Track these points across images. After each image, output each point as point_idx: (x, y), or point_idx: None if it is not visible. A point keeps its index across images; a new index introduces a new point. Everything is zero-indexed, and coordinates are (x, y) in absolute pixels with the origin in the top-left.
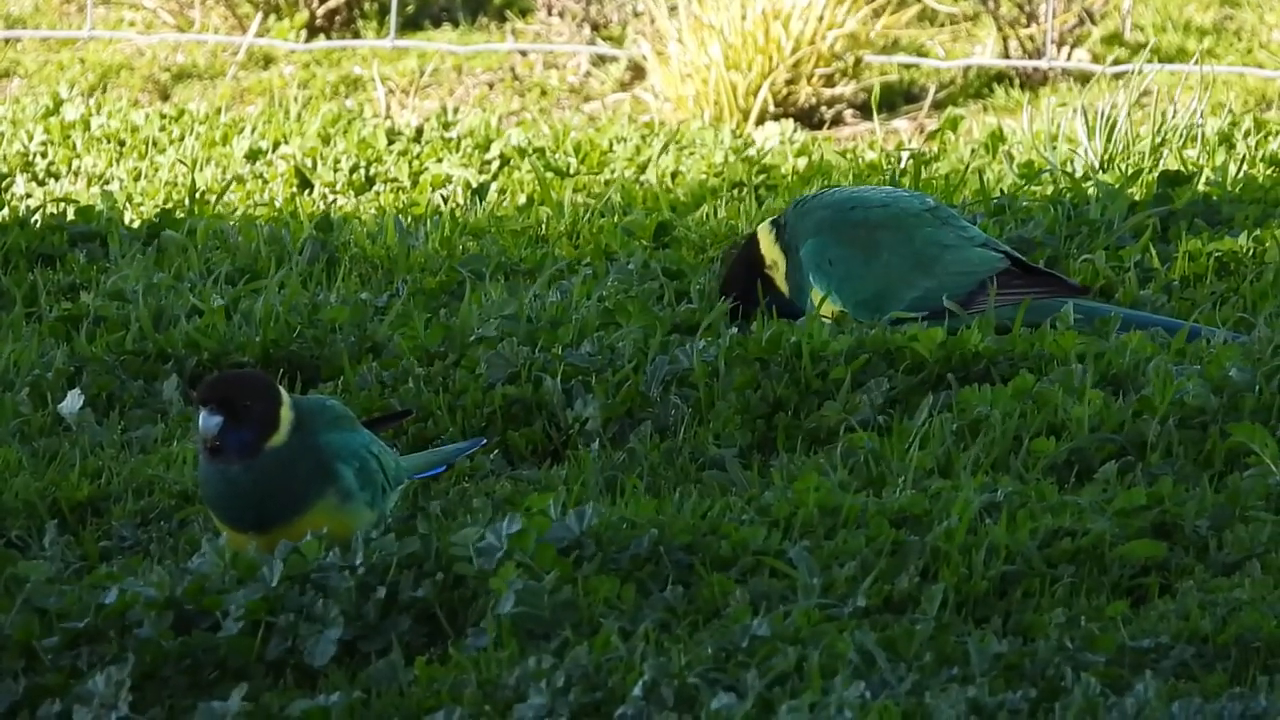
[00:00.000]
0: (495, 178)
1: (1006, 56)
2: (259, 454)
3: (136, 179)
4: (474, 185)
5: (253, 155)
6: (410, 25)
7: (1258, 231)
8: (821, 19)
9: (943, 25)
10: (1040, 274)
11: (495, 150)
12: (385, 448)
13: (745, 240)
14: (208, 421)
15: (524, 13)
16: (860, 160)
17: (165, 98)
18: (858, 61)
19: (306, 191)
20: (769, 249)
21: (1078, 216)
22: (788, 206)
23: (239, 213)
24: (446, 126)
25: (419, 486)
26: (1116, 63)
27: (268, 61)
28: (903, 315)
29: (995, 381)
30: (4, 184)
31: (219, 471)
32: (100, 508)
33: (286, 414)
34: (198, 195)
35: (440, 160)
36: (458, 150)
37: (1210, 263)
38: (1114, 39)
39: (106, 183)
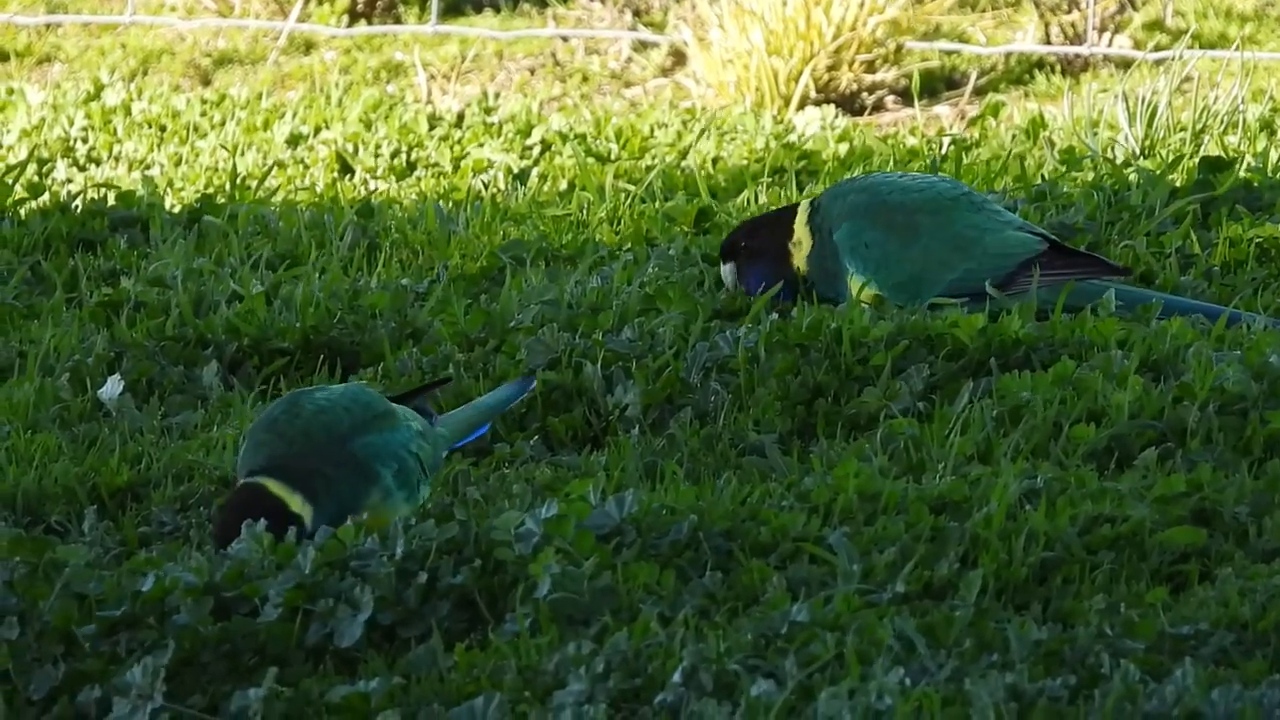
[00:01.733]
0: (536, 163)
1: (1048, 42)
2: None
3: (177, 164)
4: (515, 171)
5: (294, 140)
6: (452, 11)
7: None
8: (863, 5)
9: (984, 11)
10: (1080, 256)
11: (536, 136)
12: (422, 434)
13: (782, 209)
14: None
15: None
16: (901, 146)
17: (206, 83)
18: (899, 48)
19: (347, 177)
20: (800, 227)
21: (1119, 203)
22: (825, 190)
23: (280, 198)
24: (488, 112)
25: (458, 472)
26: (1158, 49)
27: (309, 47)
28: (940, 301)
29: (1035, 368)
30: (45, 169)
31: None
32: (140, 493)
33: (308, 514)
34: (239, 181)
35: (481, 145)
36: (499, 135)
37: (1251, 249)
38: (1155, 25)
39: (147, 168)
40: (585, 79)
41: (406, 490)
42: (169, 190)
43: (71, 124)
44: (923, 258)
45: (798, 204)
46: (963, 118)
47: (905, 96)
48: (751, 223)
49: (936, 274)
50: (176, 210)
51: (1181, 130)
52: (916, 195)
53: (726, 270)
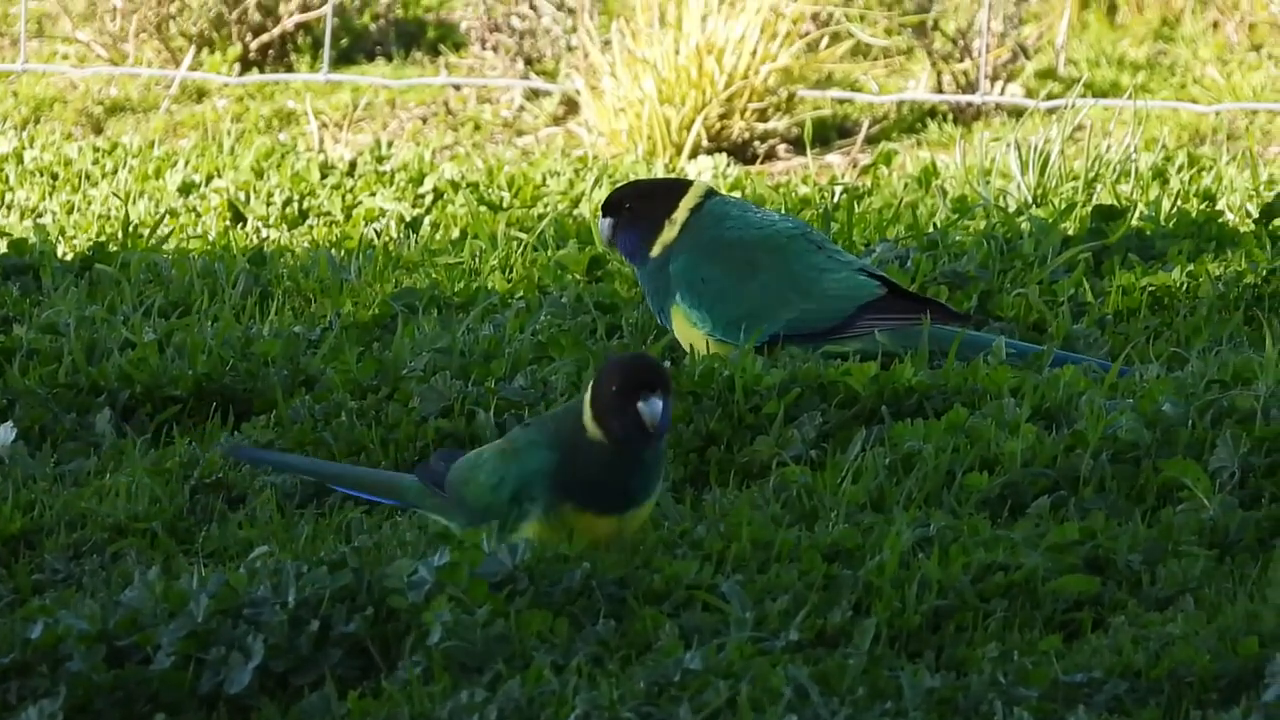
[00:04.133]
0: (428, 211)
1: (940, 91)
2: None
3: (70, 212)
4: (407, 219)
5: (186, 189)
6: (344, 59)
7: (1191, 266)
8: (755, 53)
9: (876, 60)
10: (921, 300)
11: (429, 184)
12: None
13: (675, 181)
14: (656, 406)
15: (458, 46)
16: (794, 195)
17: (99, 131)
18: (791, 96)
19: (240, 225)
20: (683, 210)
21: (1011, 251)
22: (709, 195)
23: (172, 246)
24: (380, 160)
25: (350, 520)
26: (1050, 97)
27: (201, 95)
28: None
29: (928, 415)
30: None
31: (632, 456)
32: (32, 540)
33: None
34: (131, 229)
35: (373, 194)
36: (391, 184)
37: (1144, 297)
38: (1048, 74)
39: (39, 216)
40: (477, 127)
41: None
42: (61, 238)
43: None
44: (760, 296)
45: (691, 181)
46: (855, 166)
47: (798, 145)
48: (640, 185)
49: (774, 312)
50: (69, 258)
51: (1074, 179)
52: (756, 232)
53: (604, 224)
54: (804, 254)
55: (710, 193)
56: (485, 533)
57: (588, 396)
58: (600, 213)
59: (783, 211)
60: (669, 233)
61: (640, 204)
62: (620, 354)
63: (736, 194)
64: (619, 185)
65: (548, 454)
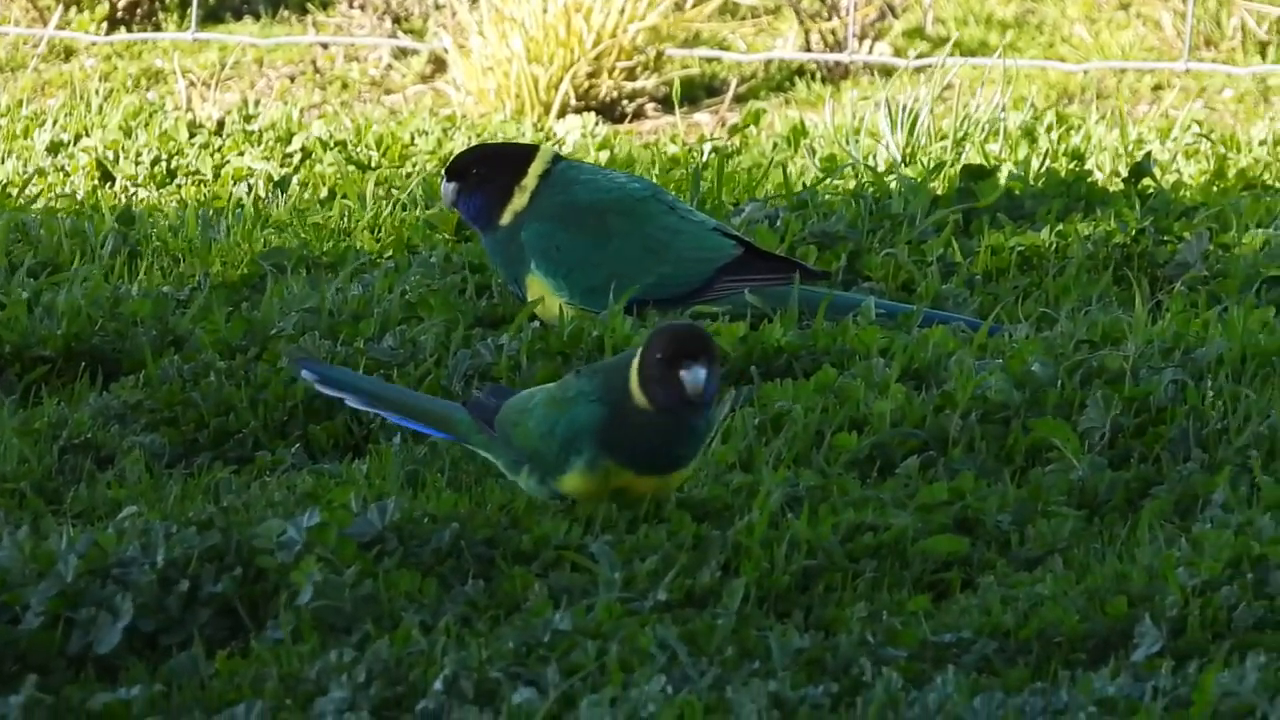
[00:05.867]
0: (297, 171)
1: (808, 50)
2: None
3: None
4: (276, 178)
5: (54, 148)
6: (211, 18)
7: (1060, 226)
8: (623, 12)
9: (744, 19)
10: (779, 260)
11: (297, 143)
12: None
13: (522, 147)
14: (700, 375)
15: (325, 5)
16: (662, 154)
17: None
18: (659, 55)
19: (108, 184)
20: (533, 176)
21: (880, 210)
22: (556, 160)
23: (41, 205)
24: (248, 119)
25: (219, 481)
26: (919, 56)
27: (69, 54)
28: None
29: (797, 376)
30: None
31: (682, 420)
32: None
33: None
34: None
35: (242, 153)
36: (259, 143)
37: (1013, 257)
38: (916, 33)
39: None
40: (345, 86)
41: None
42: None
43: None
44: (616, 261)
45: (538, 146)
46: (723, 125)
47: (666, 104)
48: (487, 150)
49: (632, 277)
50: None
51: (943, 138)
52: (606, 196)
53: (448, 188)
54: (657, 216)
55: (557, 158)
56: (522, 476)
57: (635, 362)
58: (444, 176)
59: (654, 169)
60: (519, 199)
61: (488, 170)
62: (669, 321)
63: (605, 153)
64: (463, 150)
65: (597, 409)
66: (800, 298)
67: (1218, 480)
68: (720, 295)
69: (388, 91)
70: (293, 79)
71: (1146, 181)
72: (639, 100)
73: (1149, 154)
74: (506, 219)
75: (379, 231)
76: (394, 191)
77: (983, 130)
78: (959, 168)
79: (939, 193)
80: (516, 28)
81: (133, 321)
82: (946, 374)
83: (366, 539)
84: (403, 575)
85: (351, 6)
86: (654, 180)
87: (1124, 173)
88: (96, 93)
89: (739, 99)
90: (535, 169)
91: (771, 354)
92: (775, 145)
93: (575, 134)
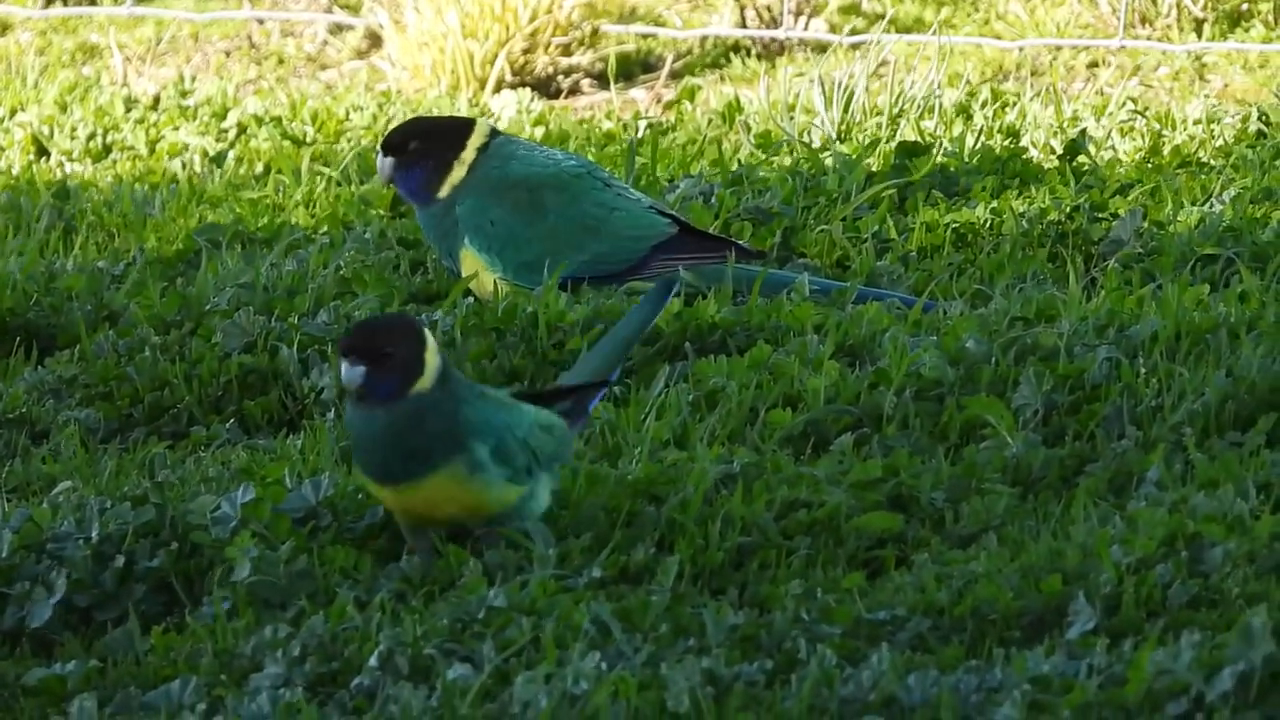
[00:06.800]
0: (232, 146)
1: (744, 26)
2: (403, 398)
3: None
4: (211, 154)
5: None
6: None
7: (995, 203)
8: None
9: None
10: (713, 238)
11: (232, 119)
12: (545, 427)
13: (458, 120)
14: (350, 373)
15: None
16: (598, 130)
17: None
18: (595, 30)
19: (44, 159)
20: (471, 150)
21: (815, 187)
22: (493, 134)
23: None
24: (184, 95)
25: (154, 456)
26: (854, 32)
27: (4, 29)
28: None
29: (731, 352)
30: None
31: (362, 417)
32: None
33: (432, 359)
34: None
35: (177, 129)
36: (195, 119)
37: (948, 234)
38: (852, 9)
39: None
40: (281, 62)
41: (509, 470)
42: None
43: None
44: (550, 237)
45: (474, 120)
46: (659, 101)
47: (601, 80)
48: (423, 123)
49: (565, 254)
50: None
51: (878, 115)
52: (541, 171)
53: (385, 163)
54: (591, 192)
55: (494, 131)
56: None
57: None
58: (380, 151)
59: (590, 145)
60: (458, 172)
61: (425, 143)
62: (385, 314)
63: (540, 129)
64: (398, 124)
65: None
66: (735, 275)
67: (1152, 458)
68: (655, 273)
69: (323, 67)
70: (228, 54)
71: (1081, 159)
72: (574, 76)
73: (1084, 131)
74: (444, 192)
75: (314, 207)
76: (328, 167)
77: (918, 107)
78: (894, 144)
79: (874, 169)
80: (452, 3)
81: (68, 296)
82: (881, 351)
83: (301, 514)
84: (337, 551)
85: None
86: (589, 157)
87: (1059, 150)
88: (32, 68)
89: (674, 75)
90: (473, 142)
91: (706, 331)
92: (710, 122)
93: (510, 110)
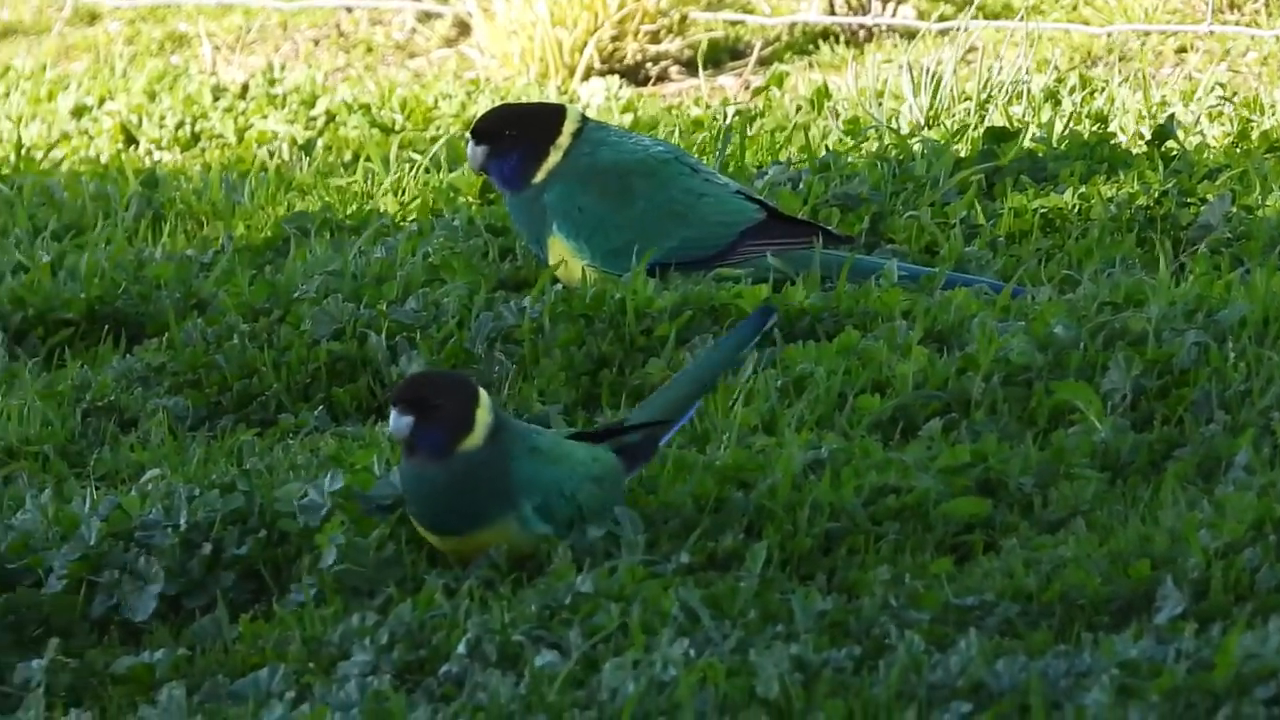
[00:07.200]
0: (321, 134)
1: (832, 13)
2: (451, 455)
3: None
4: (300, 142)
5: (79, 112)
6: None
7: (1083, 188)
8: None
9: None
10: (801, 224)
11: (321, 107)
12: (596, 479)
13: (549, 106)
14: (398, 422)
15: None
16: (686, 117)
17: None
18: (684, 18)
19: (132, 148)
20: (567, 135)
21: (903, 173)
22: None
23: (65, 169)
24: (272, 83)
25: (242, 443)
26: (942, 19)
27: (93, 18)
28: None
29: (820, 338)
30: None
31: (413, 471)
32: None
33: (484, 416)
34: (24, 151)
35: (266, 117)
36: (283, 106)
37: (1036, 219)
38: None
39: None
40: (369, 50)
41: (552, 526)
42: None
43: None
44: (639, 224)
45: (564, 106)
46: (747, 88)
47: (690, 67)
48: (515, 110)
49: (654, 241)
50: None
51: (966, 100)
52: (629, 157)
53: (477, 151)
54: (679, 178)
55: (584, 117)
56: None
57: None
58: (471, 139)
59: (678, 132)
60: (553, 158)
61: (519, 130)
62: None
63: (629, 116)
64: (486, 112)
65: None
66: (823, 261)
67: (1240, 442)
68: (743, 259)
69: (412, 55)
70: (317, 42)
71: (1170, 144)
72: (663, 63)
73: (1172, 116)
74: (540, 177)
75: (402, 195)
76: (417, 155)
77: (1006, 93)
78: (982, 130)
79: (962, 155)
80: None
81: (156, 285)
82: (969, 336)
83: (389, 501)
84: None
85: None
86: (677, 143)
87: (1147, 135)
88: (121, 56)
89: (763, 62)
90: (568, 128)
91: (794, 316)
92: (799, 108)
93: (599, 97)
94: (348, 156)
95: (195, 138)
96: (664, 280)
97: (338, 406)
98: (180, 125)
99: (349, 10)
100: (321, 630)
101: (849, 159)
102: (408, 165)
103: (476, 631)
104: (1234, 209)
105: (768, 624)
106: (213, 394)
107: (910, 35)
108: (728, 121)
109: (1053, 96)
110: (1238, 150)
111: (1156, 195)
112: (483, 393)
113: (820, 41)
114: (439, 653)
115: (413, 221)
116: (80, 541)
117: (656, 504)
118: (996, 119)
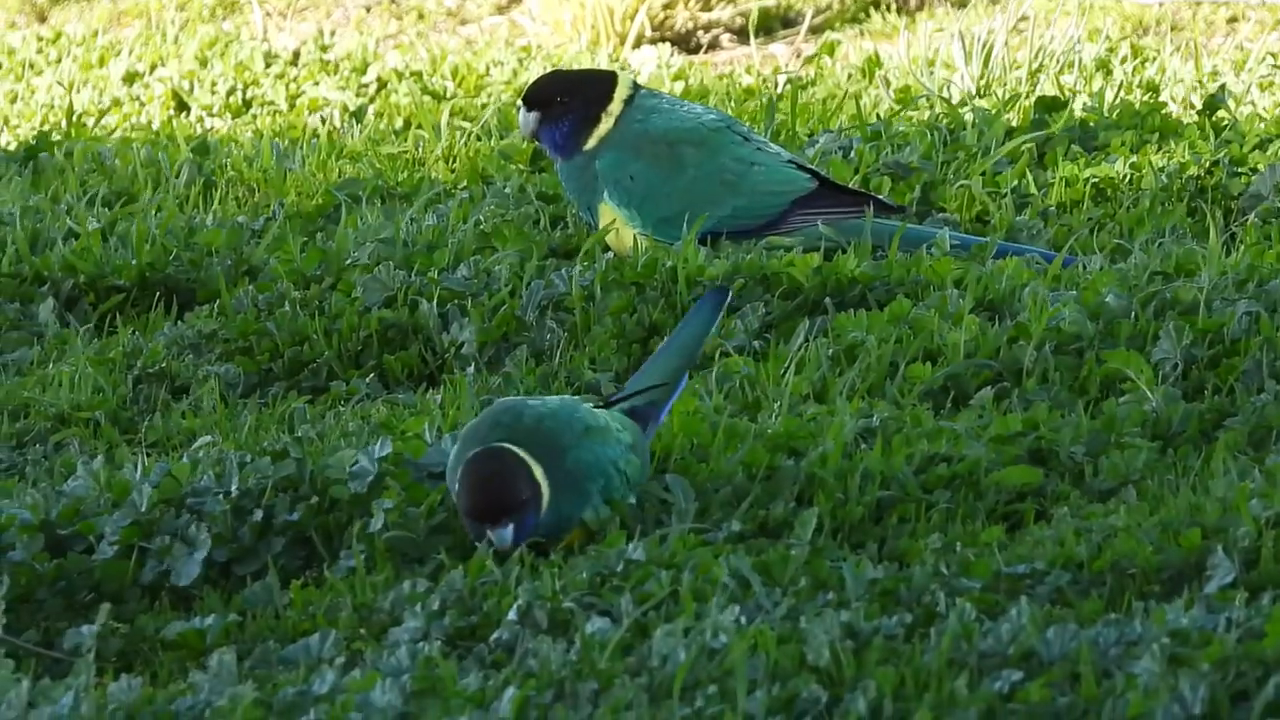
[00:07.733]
0: (372, 101)
1: None
2: (534, 530)
3: (13, 101)
4: (351, 108)
5: (130, 78)
6: None
7: (1134, 158)
8: None
9: None
10: (853, 193)
11: (372, 73)
12: (632, 447)
13: (599, 74)
14: (500, 535)
15: None
16: (737, 85)
17: (42, 20)
18: None
19: (183, 114)
20: (618, 101)
21: (954, 142)
22: (636, 87)
23: (116, 135)
24: (324, 49)
25: (294, 410)
26: None
27: None
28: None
29: (871, 307)
30: None
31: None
32: None
33: (546, 491)
34: (75, 118)
35: (317, 83)
36: (335, 73)
37: (1087, 188)
38: None
39: None
40: (421, 16)
41: (610, 507)
42: (5, 128)
43: None
44: (690, 192)
45: (615, 73)
46: (798, 56)
47: (741, 35)
48: (567, 77)
49: (705, 209)
50: (12, 148)
51: (1017, 69)
52: (680, 125)
53: (529, 117)
54: (731, 147)
55: (636, 85)
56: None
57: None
58: (523, 106)
59: (729, 100)
60: (604, 125)
61: (571, 97)
62: (480, 457)
63: (680, 84)
64: (538, 78)
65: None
66: (874, 230)
67: None
68: (794, 228)
69: (463, 22)
70: (369, 9)
71: (1221, 114)
72: (714, 31)
73: (1223, 86)
74: (590, 145)
75: (453, 162)
76: (468, 122)
77: (1057, 62)
78: (1033, 99)
79: (1013, 125)
80: None
81: (207, 251)
82: (1020, 305)
83: (440, 469)
84: None
85: None
86: (729, 111)
87: (1198, 105)
88: (172, 23)
89: (814, 30)
90: (619, 94)
91: (845, 285)
92: (850, 77)
93: (650, 65)
94: (399, 123)
95: (246, 104)
96: (715, 248)
97: (389, 373)
98: (231, 92)
99: None
100: (372, 597)
101: (900, 128)
102: (459, 132)
103: (527, 598)
104: None
105: (818, 592)
106: (264, 361)
107: (962, 4)
108: (779, 90)
109: (1104, 66)
110: None
111: (1207, 165)
112: (534, 465)
113: (872, 10)
114: (490, 619)
115: (464, 189)
116: (131, 508)
117: (707, 472)
118: (1048, 88)
